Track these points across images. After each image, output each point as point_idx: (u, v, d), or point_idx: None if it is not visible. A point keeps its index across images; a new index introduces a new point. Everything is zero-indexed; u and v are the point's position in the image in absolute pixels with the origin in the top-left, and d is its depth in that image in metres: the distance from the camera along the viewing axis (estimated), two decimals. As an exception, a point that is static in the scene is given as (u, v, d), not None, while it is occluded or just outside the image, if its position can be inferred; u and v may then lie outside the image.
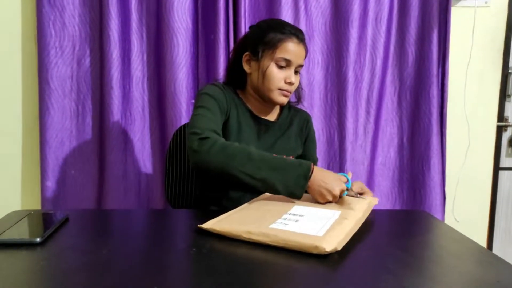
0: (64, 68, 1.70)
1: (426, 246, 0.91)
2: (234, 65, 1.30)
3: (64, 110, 1.72)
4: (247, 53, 1.25)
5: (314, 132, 1.42)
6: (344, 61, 1.77)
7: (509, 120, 1.93)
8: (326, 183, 1.03)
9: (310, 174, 1.03)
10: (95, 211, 1.52)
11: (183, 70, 1.70)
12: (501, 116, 1.93)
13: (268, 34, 1.21)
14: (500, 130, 1.94)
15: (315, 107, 1.81)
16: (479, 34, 1.84)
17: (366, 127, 1.83)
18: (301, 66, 1.24)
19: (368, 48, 1.78)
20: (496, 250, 1.99)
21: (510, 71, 1.89)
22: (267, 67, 1.21)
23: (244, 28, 1.69)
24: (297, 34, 1.22)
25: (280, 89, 1.22)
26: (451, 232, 0.99)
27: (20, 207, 1.79)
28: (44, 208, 1.70)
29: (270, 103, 1.27)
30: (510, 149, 1.96)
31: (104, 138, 1.72)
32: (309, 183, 1.03)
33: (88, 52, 1.71)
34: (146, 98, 1.75)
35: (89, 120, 1.74)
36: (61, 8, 1.66)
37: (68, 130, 1.73)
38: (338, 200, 1.06)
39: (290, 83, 1.21)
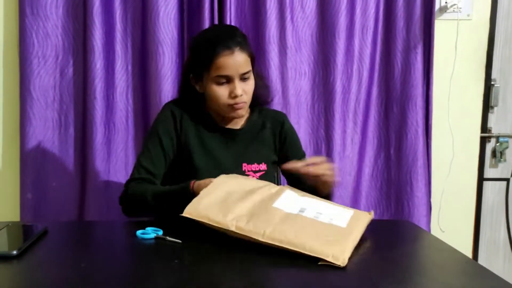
0: (47, 78, 1.67)
1: (411, 257, 0.91)
2: (186, 87, 1.29)
3: (46, 121, 1.68)
4: (191, 75, 1.25)
5: (292, 130, 1.36)
6: (331, 72, 1.77)
7: (493, 131, 1.95)
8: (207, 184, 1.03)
9: (191, 187, 1.05)
10: (75, 223, 1.49)
11: (168, 80, 1.68)
12: (484, 127, 1.95)
13: (199, 54, 1.20)
14: (483, 141, 1.96)
15: (302, 118, 1.80)
16: (462, 47, 1.87)
17: (353, 138, 1.82)
18: (247, 72, 1.19)
19: (355, 59, 1.78)
20: (481, 260, 2.00)
21: (492, 83, 1.92)
22: (209, 88, 1.19)
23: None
24: (227, 43, 1.16)
25: (229, 105, 1.19)
26: (436, 243, 0.98)
27: (-1, 219, 1.75)
28: (23, 220, 1.66)
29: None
30: (493, 159, 1.97)
31: (87, 149, 1.69)
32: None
33: (71, 62, 1.69)
34: (130, 109, 1.73)
35: (71, 131, 1.71)
36: (44, 17, 1.64)
37: (50, 141, 1.69)
38: None
39: (236, 96, 1.17)
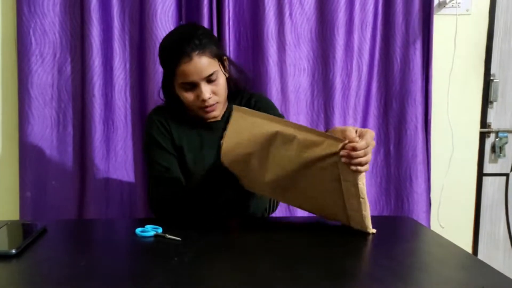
0: (45, 76, 1.67)
1: (412, 253, 0.91)
2: (166, 89, 1.29)
3: (44, 119, 1.68)
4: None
5: (267, 101, 1.35)
6: (331, 68, 1.76)
7: (492, 126, 1.95)
8: None
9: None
10: (74, 221, 1.49)
11: (166, 78, 1.68)
12: (484, 123, 1.94)
13: (164, 61, 1.21)
14: (483, 136, 1.96)
15: (301, 115, 1.80)
16: (461, 42, 1.86)
17: (353, 135, 1.82)
18: (211, 74, 1.16)
19: (355, 55, 1.78)
20: (481, 255, 2.00)
21: (492, 78, 1.91)
22: (179, 93, 1.20)
23: (227, 36, 1.68)
24: (185, 50, 1.13)
25: (201, 108, 1.19)
26: (436, 238, 0.98)
27: (-2, 218, 1.74)
28: (22, 219, 1.66)
29: None
30: (493, 155, 1.97)
31: (85, 147, 1.68)
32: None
33: (69, 59, 1.68)
34: (128, 107, 1.72)
35: (70, 129, 1.71)
36: (41, 15, 1.64)
37: (49, 139, 1.69)
38: None
39: (204, 100, 1.16)
